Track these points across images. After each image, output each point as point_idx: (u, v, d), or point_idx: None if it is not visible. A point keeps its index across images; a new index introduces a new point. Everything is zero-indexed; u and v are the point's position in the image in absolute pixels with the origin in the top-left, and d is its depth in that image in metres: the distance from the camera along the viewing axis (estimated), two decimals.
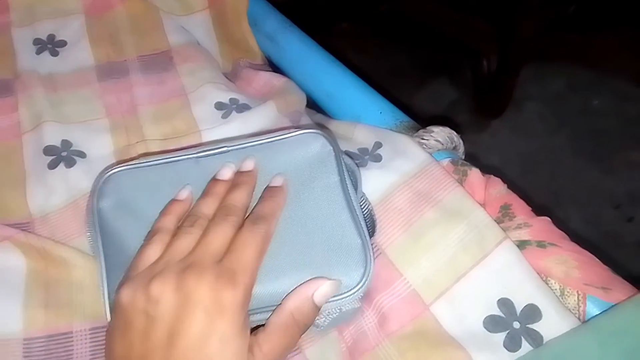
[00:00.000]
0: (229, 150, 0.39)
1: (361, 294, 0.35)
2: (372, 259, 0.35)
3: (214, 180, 0.38)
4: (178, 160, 0.39)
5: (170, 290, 0.30)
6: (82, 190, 0.46)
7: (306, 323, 0.33)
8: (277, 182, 0.38)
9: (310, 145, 0.39)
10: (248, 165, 0.39)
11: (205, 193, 0.37)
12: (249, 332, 0.32)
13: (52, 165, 0.48)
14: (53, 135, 0.50)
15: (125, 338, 0.31)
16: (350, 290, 0.35)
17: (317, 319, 0.35)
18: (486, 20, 1.20)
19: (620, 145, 1.21)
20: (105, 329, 0.39)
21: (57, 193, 0.46)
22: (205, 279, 0.30)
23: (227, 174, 0.38)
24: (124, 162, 0.40)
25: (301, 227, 0.36)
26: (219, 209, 0.36)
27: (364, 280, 0.35)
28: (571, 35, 1.23)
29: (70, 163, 0.48)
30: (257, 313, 0.34)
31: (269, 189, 0.37)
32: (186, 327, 0.29)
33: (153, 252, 0.34)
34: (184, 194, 0.38)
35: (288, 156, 0.38)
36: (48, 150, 0.49)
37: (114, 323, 0.33)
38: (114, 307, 0.33)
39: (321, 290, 0.34)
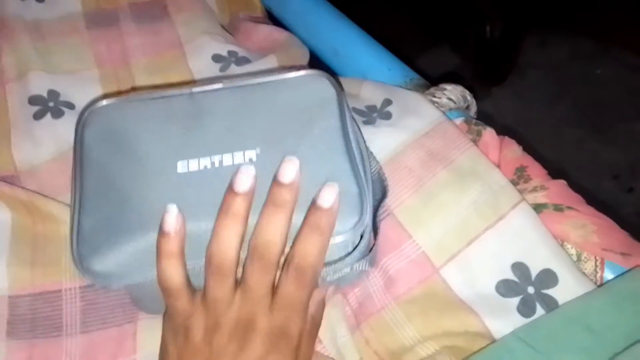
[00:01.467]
0: (225, 88, 0.36)
1: (357, 254, 0.32)
2: (368, 210, 0.32)
3: (231, 193, 0.30)
4: (171, 96, 0.36)
5: (231, 344, 0.29)
6: (72, 143, 0.43)
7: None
8: (326, 201, 0.30)
9: (312, 87, 0.36)
10: (288, 173, 0.30)
11: (223, 211, 0.30)
12: None
13: (38, 116, 0.45)
14: (39, 85, 0.47)
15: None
16: (341, 235, 0.31)
17: (324, 273, 0.32)
18: None
19: (622, 115, 1.19)
20: (95, 288, 0.37)
21: (44, 145, 0.44)
22: (262, 336, 0.29)
23: (246, 183, 0.30)
24: (113, 97, 0.37)
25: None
26: (253, 251, 0.29)
27: (356, 228, 0.31)
28: (576, 3, 1.20)
29: (57, 114, 0.45)
30: None
31: (312, 212, 0.30)
32: None
33: (223, 294, 0.29)
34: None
35: (288, 96, 0.35)
36: (34, 99, 0.46)
37: (173, 352, 0.30)
38: (174, 333, 0.30)
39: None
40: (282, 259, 0.30)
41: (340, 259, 0.32)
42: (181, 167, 0.32)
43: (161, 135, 0.34)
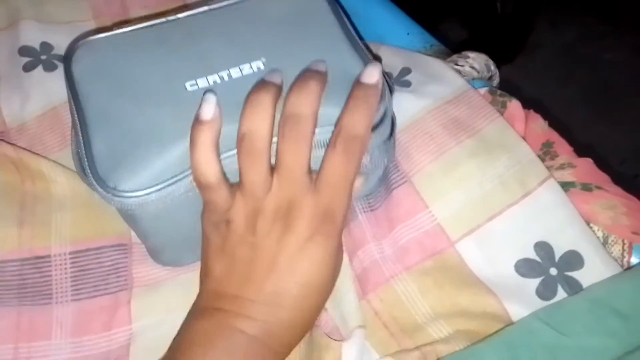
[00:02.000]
0: (215, 8, 0.35)
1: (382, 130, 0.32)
2: (387, 87, 0.32)
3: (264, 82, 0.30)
4: (159, 23, 0.35)
5: (275, 228, 0.29)
6: (64, 97, 0.40)
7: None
8: (371, 77, 0.30)
9: None
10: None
11: (252, 93, 0.29)
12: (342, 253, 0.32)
13: (28, 68, 0.42)
14: (31, 36, 0.44)
15: (226, 259, 0.29)
16: None
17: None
18: None
19: (629, 100, 1.17)
20: (87, 253, 0.35)
21: (33, 99, 0.41)
22: (306, 217, 0.28)
23: (277, 77, 0.30)
24: (100, 31, 0.35)
25: (303, 64, 0.31)
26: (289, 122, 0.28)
27: (380, 106, 0.31)
28: None
29: (50, 67, 0.42)
30: None
31: (358, 88, 0.30)
32: (285, 258, 0.28)
33: (259, 176, 0.29)
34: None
35: (278, 6, 0.35)
36: (24, 50, 0.43)
37: (216, 241, 0.30)
38: (215, 226, 0.30)
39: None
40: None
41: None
42: (190, 86, 0.31)
43: (159, 61, 0.33)
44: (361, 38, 0.36)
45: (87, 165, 0.30)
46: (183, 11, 0.35)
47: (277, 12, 0.35)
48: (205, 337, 0.29)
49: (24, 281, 0.34)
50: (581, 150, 0.39)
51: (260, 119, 0.28)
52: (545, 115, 0.40)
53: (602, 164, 0.37)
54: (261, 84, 0.30)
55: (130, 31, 0.34)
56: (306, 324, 0.31)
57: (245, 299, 0.29)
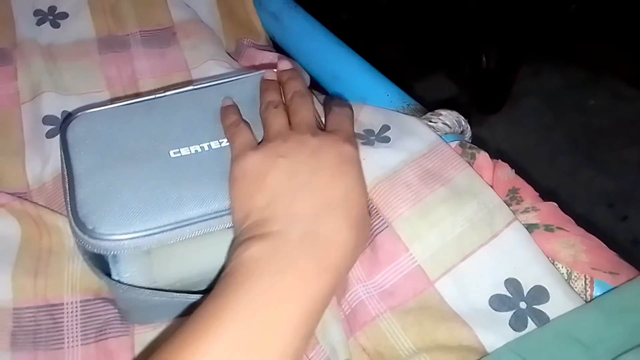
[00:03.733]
0: (197, 88, 0.41)
1: None
2: None
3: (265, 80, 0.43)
4: (148, 100, 0.39)
5: (303, 151, 0.35)
6: None
7: None
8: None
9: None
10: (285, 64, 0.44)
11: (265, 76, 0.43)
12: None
13: (51, 135, 0.46)
14: (53, 106, 0.49)
15: (252, 187, 0.34)
16: None
17: None
18: (486, 15, 1.20)
19: (614, 143, 1.21)
20: (95, 302, 0.39)
21: (52, 162, 0.45)
22: (332, 141, 0.37)
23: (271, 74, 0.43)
24: (94, 106, 0.39)
25: None
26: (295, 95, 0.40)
27: None
28: (570, 35, 1.23)
29: None
30: None
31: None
32: (321, 175, 0.34)
33: (278, 122, 0.38)
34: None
35: (255, 87, 0.41)
36: (47, 119, 0.47)
37: (246, 177, 0.35)
38: (246, 164, 0.35)
39: None
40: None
41: None
42: (173, 154, 0.35)
43: (146, 130, 0.37)
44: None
45: (69, 209, 0.33)
46: (172, 89, 0.40)
47: (254, 93, 0.40)
48: (261, 262, 0.31)
49: (39, 327, 0.37)
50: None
51: (275, 94, 0.41)
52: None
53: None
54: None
55: (122, 105, 0.39)
56: (355, 235, 0.34)
57: (293, 215, 0.33)
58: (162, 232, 0.32)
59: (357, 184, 0.36)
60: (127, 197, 0.33)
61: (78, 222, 0.32)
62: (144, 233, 0.32)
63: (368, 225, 0.37)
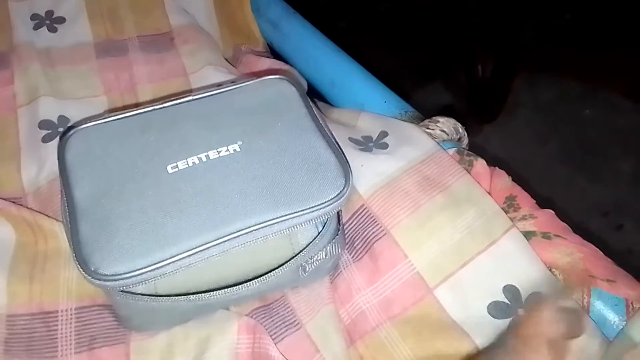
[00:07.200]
0: (196, 98, 0.39)
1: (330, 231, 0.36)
2: (351, 173, 0.36)
3: None
4: (146, 111, 0.39)
5: None
6: None
7: None
8: None
9: (275, 87, 0.40)
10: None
11: None
12: None
13: (47, 139, 0.46)
14: (49, 110, 0.48)
15: None
16: (334, 198, 0.34)
17: (305, 263, 0.35)
18: (483, 25, 1.21)
19: (608, 154, 1.22)
20: (91, 309, 0.38)
21: (47, 166, 0.45)
22: None
23: None
24: (90, 119, 0.38)
25: (278, 154, 0.36)
26: None
27: (346, 189, 0.35)
28: (565, 46, 1.24)
29: None
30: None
31: None
32: None
33: None
34: None
35: (254, 97, 0.40)
36: (44, 124, 0.47)
37: None
38: None
39: None
40: None
41: (315, 239, 0.36)
42: (171, 169, 0.35)
43: (143, 145, 0.36)
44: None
45: (72, 246, 0.32)
46: (169, 100, 0.39)
47: (253, 101, 0.39)
48: None
49: (33, 335, 0.37)
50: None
51: None
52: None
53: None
54: None
55: (118, 119, 0.38)
56: None
57: None
58: (162, 266, 0.32)
59: None
60: (126, 233, 0.32)
61: (81, 262, 0.32)
62: (145, 270, 0.32)
63: None
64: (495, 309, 0.36)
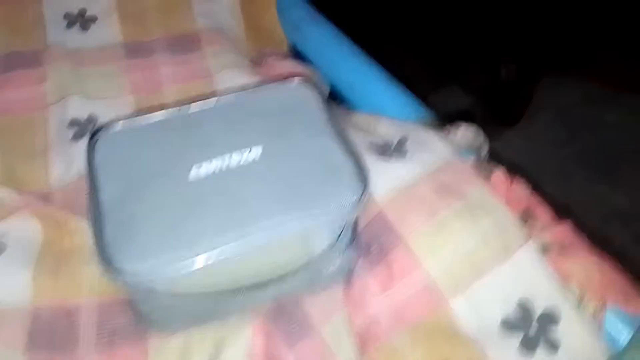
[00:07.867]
0: (219, 101, 0.40)
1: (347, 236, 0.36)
2: (368, 177, 0.36)
3: None
4: (170, 114, 0.40)
5: None
6: None
7: None
8: None
9: (296, 91, 0.41)
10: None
11: None
12: None
13: (76, 137, 0.48)
14: (78, 109, 0.50)
15: None
16: (351, 203, 0.35)
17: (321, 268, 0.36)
18: (507, 28, 1.20)
19: (631, 160, 1.20)
20: (113, 306, 0.39)
21: (75, 164, 0.46)
22: None
23: None
24: (117, 120, 0.39)
25: (298, 158, 0.37)
26: None
27: (363, 194, 0.35)
28: (590, 48, 1.22)
29: None
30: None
31: None
32: None
33: None
34: None
35: (275, 100, 0.41)
36: (73, 122, 0.49)
37: None
38: None
39: None
40: None
41: (331, 244, 0.36)
42: (193, 170, 0.36)
43: (168, 148, 0.38)
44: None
45: (96, 244, 0.33)
46: (193, 102, 0.40)
47: (274, 104, 0.40)
48: None
49: (55, 328, 0.38)
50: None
51: None
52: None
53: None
54: None
55: (144, 121, 0.39)
56: None
57: None
58: (182, 263, 0.33)
59: None
60: (148, 232, 0.34)
61: (104, 260, 0.33)
62: (165, 268, 0.33)
63: None
64: (509, 322, 0.37)
